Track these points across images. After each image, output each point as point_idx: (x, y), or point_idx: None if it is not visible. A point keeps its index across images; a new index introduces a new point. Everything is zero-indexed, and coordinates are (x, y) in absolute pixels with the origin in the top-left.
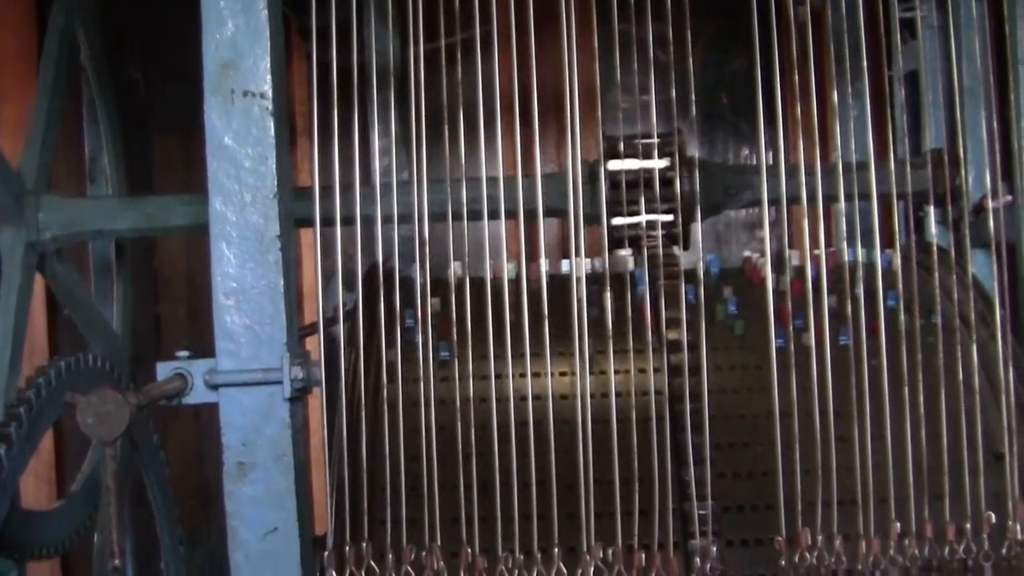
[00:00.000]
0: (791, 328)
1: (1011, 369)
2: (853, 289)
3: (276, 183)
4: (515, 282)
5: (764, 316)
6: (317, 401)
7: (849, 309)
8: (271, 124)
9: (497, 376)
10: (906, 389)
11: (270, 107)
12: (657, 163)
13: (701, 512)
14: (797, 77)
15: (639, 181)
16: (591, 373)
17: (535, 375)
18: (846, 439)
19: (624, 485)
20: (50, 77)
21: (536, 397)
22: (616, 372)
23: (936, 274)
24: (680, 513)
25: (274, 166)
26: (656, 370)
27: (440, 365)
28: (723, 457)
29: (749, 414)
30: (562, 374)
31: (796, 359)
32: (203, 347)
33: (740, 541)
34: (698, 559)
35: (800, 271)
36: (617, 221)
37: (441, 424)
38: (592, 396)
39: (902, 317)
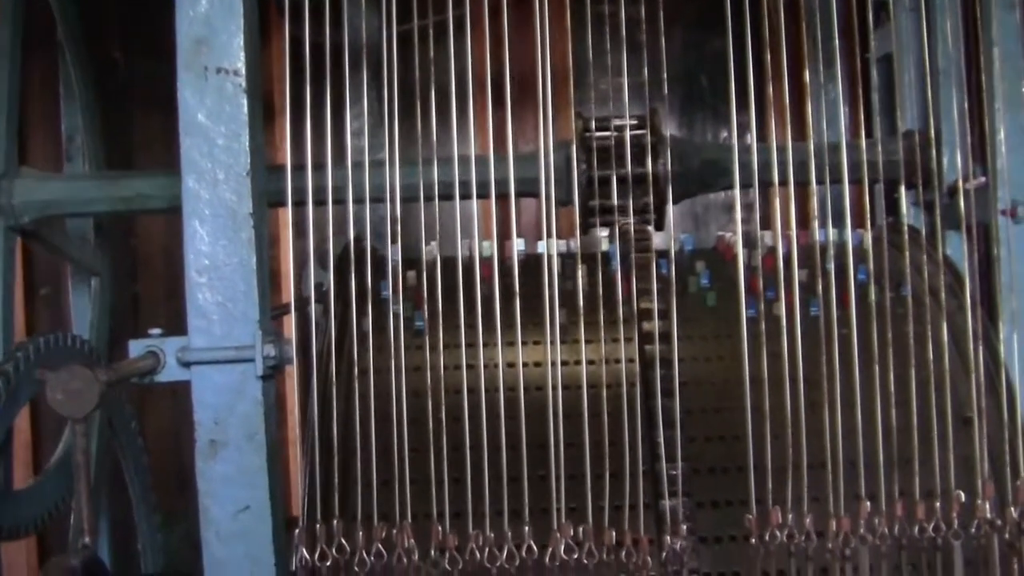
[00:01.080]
0: (762, 298)
1: (980, 346)
2: (824, 264)
3: (249, 161)
4: (490, 259)
5: (736, 289)
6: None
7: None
8: (244, 101)
9: (469, 345)
10: (876, 359)
11: (244, 84)
12: (629, 144)
13: (671, 473)
14: (772, 58)
15: (611, 160)
16: (563, 342)
17: (508, 344)
18: (816, 405)
19: (595, 448)
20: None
21: (509, 365)
22: (588, 341)
23: (907, 252)
24: (651, 475)
25: (247, 144)
26: (628, 339)
27: (414, 335)
28: (693, 421)
29: (720, 380)
30: (535, 343)
31: (767, 328)
32: (180, 326)
33: (711, 503)
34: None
35: (773, 251)
36: (592, 202)
37: (414, 390)
38: (564, 364)
39: (872, 289)
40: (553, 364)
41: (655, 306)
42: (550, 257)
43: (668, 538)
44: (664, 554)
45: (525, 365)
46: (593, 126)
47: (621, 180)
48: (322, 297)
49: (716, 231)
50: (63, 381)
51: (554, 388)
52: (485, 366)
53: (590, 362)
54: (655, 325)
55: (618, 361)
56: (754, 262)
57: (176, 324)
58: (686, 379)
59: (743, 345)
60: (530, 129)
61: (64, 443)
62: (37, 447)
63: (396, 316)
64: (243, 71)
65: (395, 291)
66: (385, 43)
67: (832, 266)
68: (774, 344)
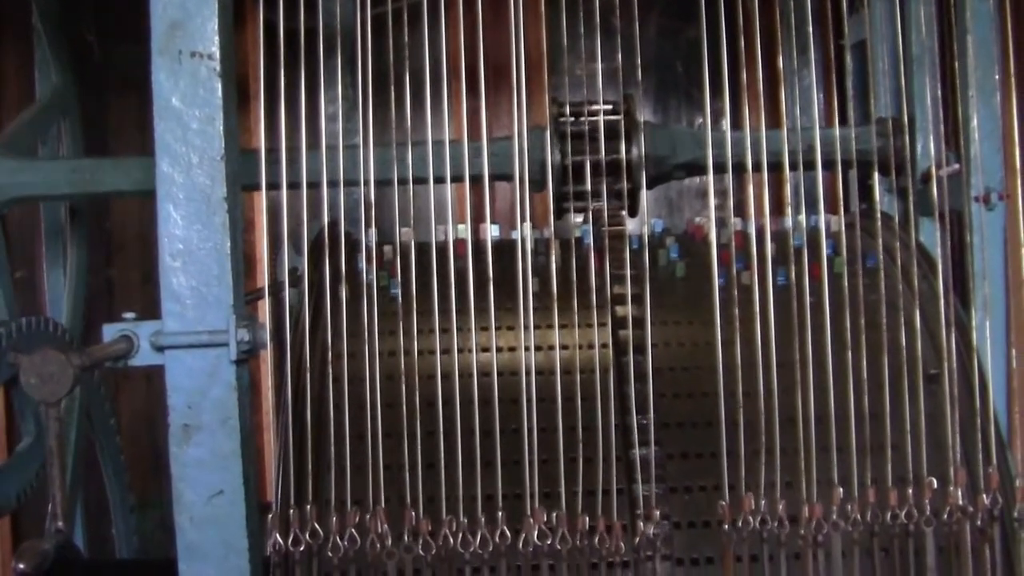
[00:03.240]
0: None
1: (953, 332)
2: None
3: (224, 145)
4: (463, 240)
5: (704, 260)
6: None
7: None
8: (219, 85)
9: (443, 330)
10: (849, 345)
11: (218, 68)
12: (603, 129)
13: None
14: (746, 44)
15: (585, 145)
16: (536, 328)
17: (482, 329)
18: (789, 389)
19: (568, 433)
20: None
21: (483, 350)
22: (562, 327)
23: (880, 238)
24: (624, 460)
25: (221, 128)
26: (601, 324)
27: (388, 318)
28: (665, 406)
29: (689, 341)
30: (509, 328)
31: (738, 299)
32: (156, 311)
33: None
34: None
35: (744, 232)
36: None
37: (388, 374)
38: (538, 349)
39: (838, 261)
40: (527, 349)
41: (628, 291)
42: (524, 241)
43: (641, 523)
44: (637, 540)
45: (499, 351)
46: (568, 111)
47: (595, 165)
48: (296, 282)
49: (689, 217)
50: (37, 365)
51: (527, 373)
52: (459, 351)
53: (563, 347)
54: (628, 310)
55: (591, 347)
56: (724, 240)
57: (151, 309)
58: (658, 364)
59: (716, 331)
60: (504, 115)
61: (33, 426)
62: (11, 430)
63: (370, 287)
64: (217, 55)
65: (369, 262)
66: (359, 26)
67: (803, 244)
68: (747, 330)
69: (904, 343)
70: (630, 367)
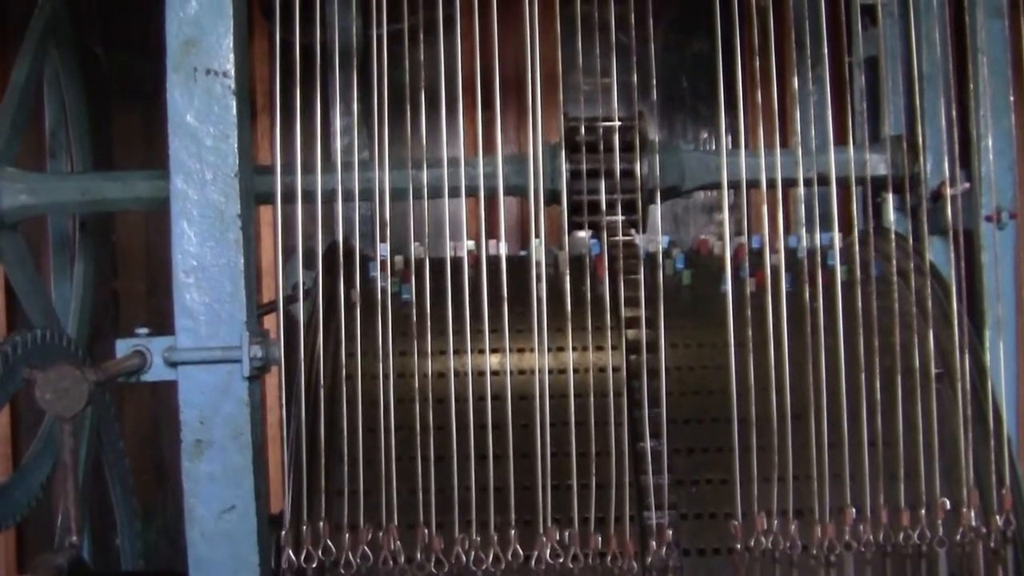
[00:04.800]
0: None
1: (967, 355)
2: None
3: (237, 162)
4: (474, 264)
5: (710, 270)
6: (273, 379)
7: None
8: (233, 103)
9: (456, 351)
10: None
11: (232, 85)
12: (618, 148)
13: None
14: (758, 62)
15: (599, 170)
16: (548, 350)
17: (493, 351)
18: (802, 413)
19: (580, 458)
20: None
21: (495, 372)
22: (574, 349)
23: (893, 259)
24: (636, 487)
25: (235, 145)
26: (613, 347)
27: (399, 335)
28: (677, 430)
29: (699, 365)
30: (519, 350)
31: (742, 304)
32: (161, 323)
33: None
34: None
35: (759, 256)
36: (577, 201)
37: (399, 397)
38: (550, 372)
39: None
40: (540, 363)
41: (642, 313)
42: (538, 262)
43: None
44: (649, 560)
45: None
46: (582, 128)
47: (608, 182)
48: (306, 296)
49: (697, 232)
50: (52, 381)
51: (540, 397)
52: (470, 372)
53: (575, 370)
54: (642, 334)
55: (603, 370)
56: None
57: (157, 320)
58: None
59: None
60: (511, 129)
61: (40, 436)
62: (16, 441)
63: (384, 306)
64: (232, 72)
65: (383, 269)
66: (355, 43)
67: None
68: (760, 355)
69: (917, 366)
70: (643, 391)
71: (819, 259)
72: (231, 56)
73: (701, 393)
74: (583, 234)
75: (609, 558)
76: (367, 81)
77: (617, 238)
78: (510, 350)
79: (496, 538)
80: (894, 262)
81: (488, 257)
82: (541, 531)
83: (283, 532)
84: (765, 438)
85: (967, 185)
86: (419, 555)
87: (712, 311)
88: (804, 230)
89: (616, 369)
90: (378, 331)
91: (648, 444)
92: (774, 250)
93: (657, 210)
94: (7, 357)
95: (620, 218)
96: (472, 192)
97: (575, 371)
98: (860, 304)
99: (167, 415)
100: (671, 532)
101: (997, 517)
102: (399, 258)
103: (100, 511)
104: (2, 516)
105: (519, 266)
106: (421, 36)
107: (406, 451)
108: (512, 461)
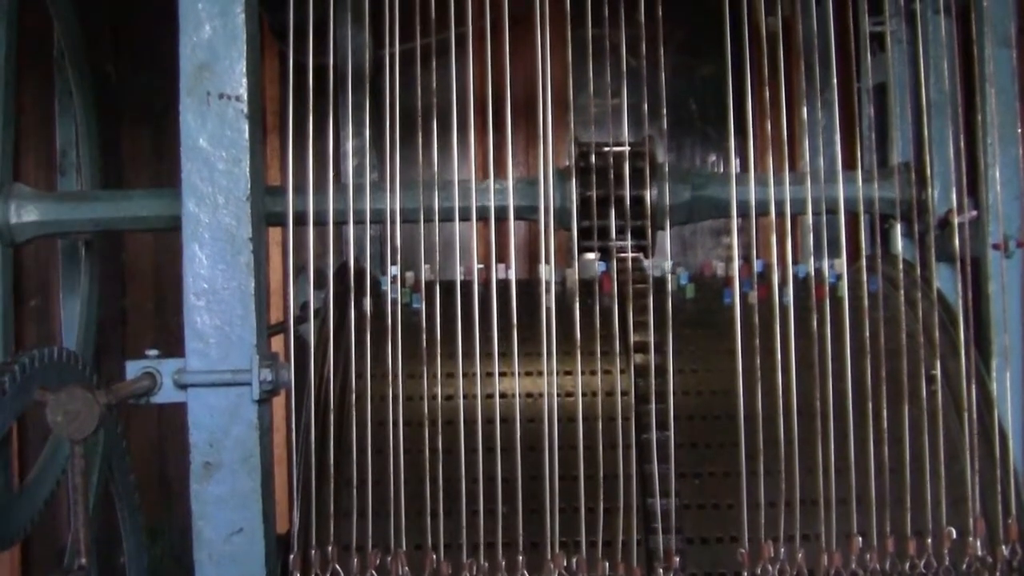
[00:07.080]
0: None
1: (974, 384)
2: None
3: (249, 185)
4: (484, 283)
5: (713, 287)
6: (278, 399)
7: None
8: (246, 127)
9: (465, 374)
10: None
11: (245, 110)
12: (627, 173)
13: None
14: (767, 88)
15: (609, 197)
16: (558, 373)
17: (502, 374)
18: (809, 440)
19: (588, 481)
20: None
21: (503, 395)
22: (582, 373)
23: (901, 287)
24: (643, 510)
25: (248, 169)
26: (622, 371)
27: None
28: (684, 454)
29: (707, 389)
30: (527, 374)
31: (747, 320)
32: (168, 341)
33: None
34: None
35: (763, 277)
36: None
37: (408, 420)
38: (559, 395)
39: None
40: (549, 386)
41: (651, 339)
42: (547, 284)
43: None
44: None
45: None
46: (593, 154)
47: (618, 207)
48: (315, 317)
49: (704, 256)
50: (63, 403)
51: (549, 421)
52: (479, 396)
53: (584, 394)
54: (651, 358)
55: (611, 394)
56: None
57: (163, 339)
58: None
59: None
60: (519, 152)
61: (45, 454)
62: (23, 456)
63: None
64: (245, 97)
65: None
66: (367, 64)
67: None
68: (768, 381)
69: (924, 394)
70: (652, 416)
71: (827, 286)
72: (244, 80)
73: (708, 418)
74: (591, 256)
75: None
76: (378, 103)
77: (626, 262)
78: (519, 373)
79: (504, 563)
80: (901, 290)
81: (497, 280)
82: (549, 557)
83: (291, 555)
84: (772, 462)
85: (975, 213)
86: None
87: (718, 334)
88: (812, 258)
89: (624, 393)
90: (387, 353)
91: (656, 468)
92: (783, 279)
93: (667, 236)
94: (15, 376)
95: (629, 243)
96: (483, 215)
97: (583, 395)
98: (868, 331)
99: (173, 434)
100: (677, 557)
101: (1003, 547)
102: (409, 274)
103: (105, 529)
104: (6, 534)
105: (527, 290)
106: (433, 58)
107: (414, 473)
108: (520, 483)
